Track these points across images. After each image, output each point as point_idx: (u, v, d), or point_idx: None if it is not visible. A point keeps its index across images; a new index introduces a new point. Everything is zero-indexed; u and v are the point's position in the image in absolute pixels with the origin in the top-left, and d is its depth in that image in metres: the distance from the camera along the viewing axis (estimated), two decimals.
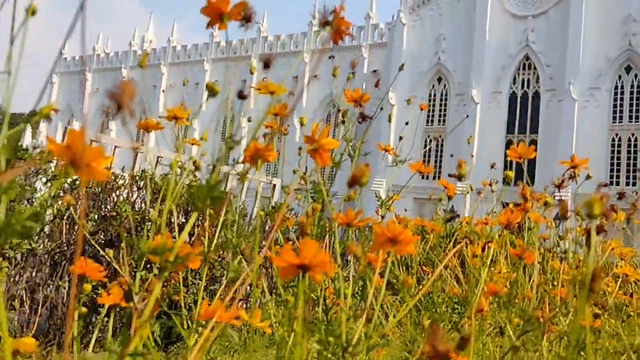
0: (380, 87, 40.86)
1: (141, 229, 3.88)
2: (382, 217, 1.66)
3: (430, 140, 38.76)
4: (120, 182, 4.47)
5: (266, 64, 0.93)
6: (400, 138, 2.12)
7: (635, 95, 33.19)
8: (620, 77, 33.67)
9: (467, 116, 35.17)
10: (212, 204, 0.65)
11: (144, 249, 0.71)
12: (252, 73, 1.30)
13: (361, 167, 0.88)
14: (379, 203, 1.73)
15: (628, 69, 33.52)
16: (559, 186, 1.36)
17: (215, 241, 1.27)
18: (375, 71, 46.82)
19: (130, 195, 4.52)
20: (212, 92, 0.91)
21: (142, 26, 64.86)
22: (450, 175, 1.35)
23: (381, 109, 1.93)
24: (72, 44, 60.71)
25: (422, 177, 38.30)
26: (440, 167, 37.87)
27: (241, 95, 1.42)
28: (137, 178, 4.41)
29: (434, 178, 37.90)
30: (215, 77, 54.62)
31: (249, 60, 52.42)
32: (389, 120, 3.87)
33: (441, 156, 38.16)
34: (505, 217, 1.66)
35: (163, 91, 57.21)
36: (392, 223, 0.86)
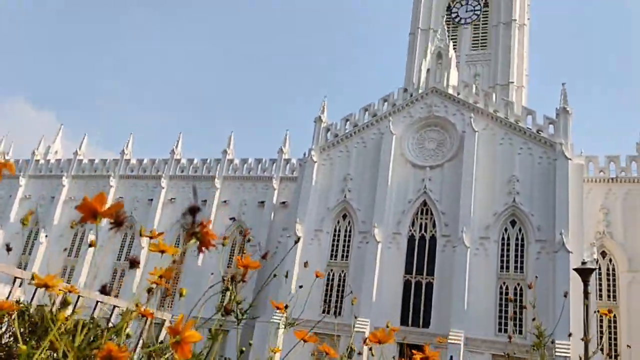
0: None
1: None
2: None
3: (332, 282, 39.05)
4: None
5: (132, 264, 0.97)
6: (286, 307, 2.18)
7: (519, 248, 36.05)
8: (506, 229, 36.68)
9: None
10: None
11: None
12: (141, 235, 1.33)
13: None
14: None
15: (513, 223, 36.69)
16: None
17: None
18: (284, 203, 47.89)
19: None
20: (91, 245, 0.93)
21: (50, 136, 63.20)
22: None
23: (274, 275, 2.01)
24: None
25: (324, 311, 37.92)
26: (341, 301, 37.91)
27: (133, 264, 1.45)
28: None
29: (335, 314, 37.70)
30: (120, 193, 53.20)
31: (158, 180, 51.92)
32: (285, 276, 3.94)
33: (343, 291, 38.39)
34: None
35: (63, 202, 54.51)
36: None
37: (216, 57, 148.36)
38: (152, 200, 51.27)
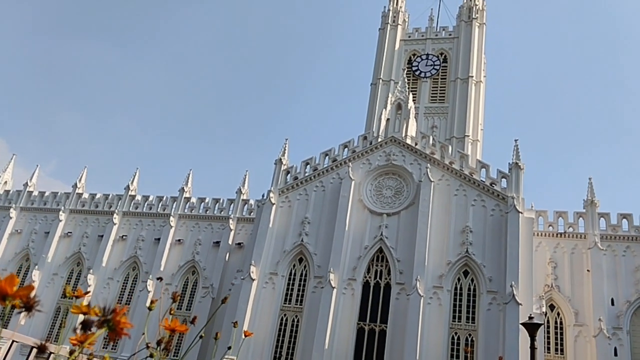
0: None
1: None
2: None
3: (286, 321, 38.39)
4: None
5: (40, 350, 0.96)
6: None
7: (471, 298, 36.40)
8: (459, 279, 37.10)
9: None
10: None
11: None
12: (66, 296, 1.31)
13: None
14: None
15: (466, 273, 37.15)
16: None
17: None
18: (240, 244, 47.24)
19: None
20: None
21: (1, 165, 60.86)
22: None
23: (201, 337, 1.99)
24: None
25: (275, 359, 37.03)
26: (294, 346, 37.18)
27: (41, 350, 1.42)
28: None
29: (287, 358, 36.83)
30: (70, 228, 51.43)
31: (110, 216, 50.53)
32: (234, 325, 3.88)
33: (296, 335, 37.71)
34: None
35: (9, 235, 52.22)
36: None
37: (176, 93, 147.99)
38: (102, 236, 49.74)
